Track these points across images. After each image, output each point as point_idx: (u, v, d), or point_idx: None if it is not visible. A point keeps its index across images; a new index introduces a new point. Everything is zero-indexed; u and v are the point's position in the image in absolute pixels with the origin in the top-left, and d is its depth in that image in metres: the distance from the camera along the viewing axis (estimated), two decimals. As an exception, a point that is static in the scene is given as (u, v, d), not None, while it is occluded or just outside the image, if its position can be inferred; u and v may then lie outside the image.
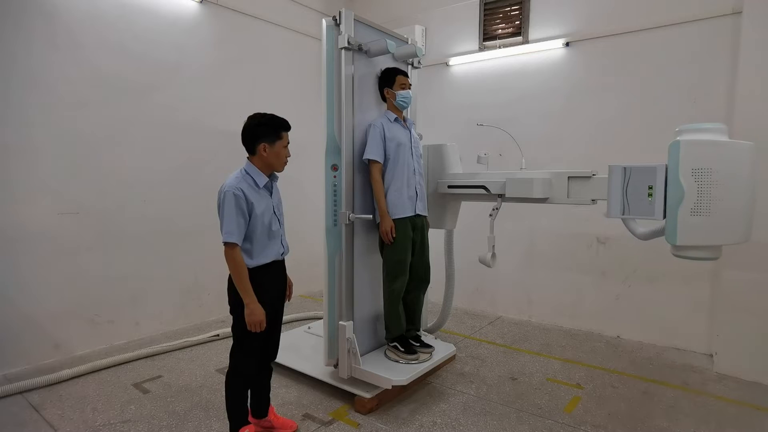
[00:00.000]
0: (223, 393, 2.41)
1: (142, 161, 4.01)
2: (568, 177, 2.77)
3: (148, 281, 4.09)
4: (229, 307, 2.35)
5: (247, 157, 2.35)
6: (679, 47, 3.83)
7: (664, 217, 2.25)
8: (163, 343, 3.80)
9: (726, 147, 2.13)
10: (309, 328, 4.01)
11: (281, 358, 3.40)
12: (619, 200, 2.40)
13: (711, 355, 3.70)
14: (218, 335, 4.02)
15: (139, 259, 4.02)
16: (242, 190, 2.21)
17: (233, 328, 2.36)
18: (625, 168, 2.38)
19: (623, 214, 2.41)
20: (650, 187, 2.30)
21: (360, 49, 2.97)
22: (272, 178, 2.40)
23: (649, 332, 4.07)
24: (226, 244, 2.19)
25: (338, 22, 2.88)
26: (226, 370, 2.41)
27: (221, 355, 3.72)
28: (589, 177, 2.68)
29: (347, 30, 2.86)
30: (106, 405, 2.91)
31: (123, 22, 3.85)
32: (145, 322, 4.08)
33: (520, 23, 4.63)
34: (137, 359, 3.58)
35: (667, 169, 2.23)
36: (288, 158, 2.38)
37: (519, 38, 4.65)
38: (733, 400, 3.08)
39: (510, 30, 4.73)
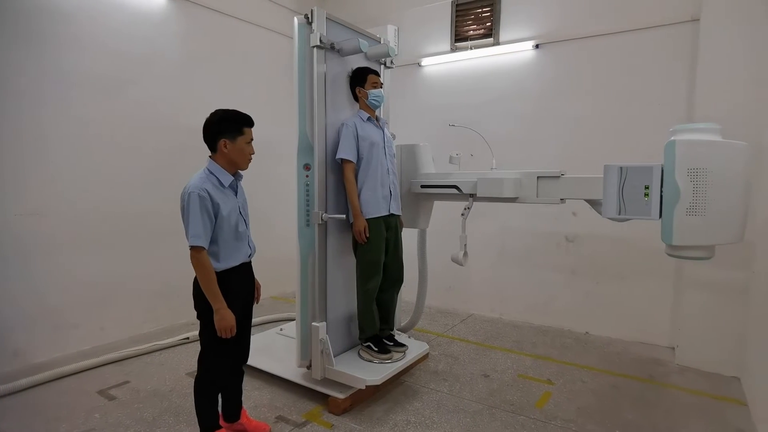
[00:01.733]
0: (194, 398, 2.35)
1: (112, 160, 3.88)
2: (537, 177, 2.82)
3: (115, 284, 3.96)
4: (195, 312, 2.28)
5: (210, 156, 2.27)
6: (642, 51, 3.96)
7: (660, 216, 2.24)
8: (131, 348, 3.69)
9: (721, 147, 2.13)
10: (281, 329, 3.96)
11: (253, 360, 3.34)
12: (615, 200, 2.37)
13: (673, 348, 3.84)
14: (188, 338, 3.93)
15: (106, 261, 3.88)
16: (207, 191, 2.14)
17: (201, 333, 2.29)
18: (621, 168, 2.35)
19: (619, 214, 2.37)
20: (646, 187, 2.27)
21: (332, 47, 2.96)
22: (237, 177, 2.34)
23: (616, 328, 4.20)
24: (192, 248, 2.12)
25: (310, 20, 2.85)
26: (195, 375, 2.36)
27: (192, 358, 3.63)
28: (558, 177, 2.74)
29: (319, 28, 2.84)
30: (69, 413, 2.80)
31: (96, 18, 3.73)
32: (111, 327, 3.94)
33: (491, 25, 4.70)
34: (103, 365, 3.46)
35: (663, 169, 2.22)
36: (252, 155, 2.31)
37: (490, 39, 4.72)
38: (694, 391, 3.21)
39: (481, 31, 4.79)
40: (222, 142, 2.21)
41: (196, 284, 2.22)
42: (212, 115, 2.24)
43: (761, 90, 3.25)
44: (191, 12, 4.47)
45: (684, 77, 3.78)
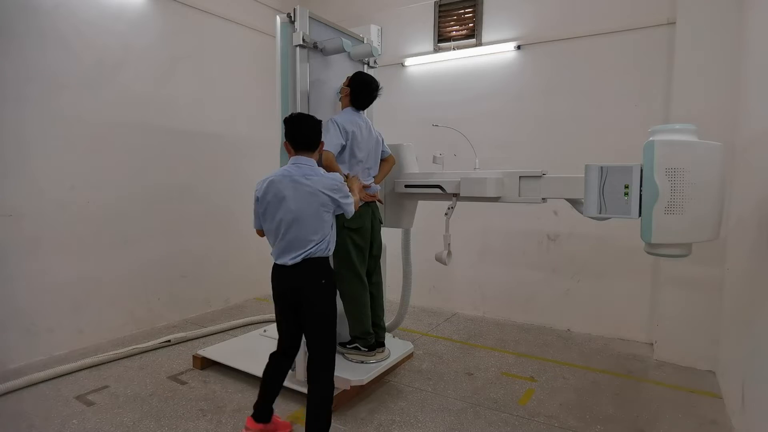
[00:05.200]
0: (326, 412, 2.35)
1: (86, 160, 3.78)
2: (520, 176, 2.85)
3: (92, 286, 3.86)
4: (319, 316, 2.36)
5: (309, 155, 2.39)
6: (621, 53, 4.04)
7: (640, 215, 2.27)
8: (110, 351, 3.61)
9: (697, 147, 2.18)
10: (265, 331, 3.92)
11: (237, 362, 3.32)
12: (596, 199, 2.40)
13: (651, 344, 3.93)
14: (170, 341, 3.86)
15: (81, 262, 3.78)
16: None
17: (326, 339, 2.36)
18: (602, 168, 2.38)
19: (600, 213, 2.40)
20: (626, 186, 2.30)
21: (315, 47, 2.94)
22: None
23: (596, 325, 4.28)
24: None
25: (293, 19, 2.83)
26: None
27: (173, 361, 3.57)
28: (540, 176, 2.77)
29: (302, 27, 2.82)
30: (45, 421, 2.73)
31: (75, 15, 3.65)
32: (89, 330, 3.85)
33: (474, 26, 4.74)
34: (80, 370, 3.37)
35: (642, 168, 2.25)
36: None
37: (472, 40, 4.75)
38: (672, 385, 3.29)
39: (464, 32, 4.82)
40: (322, 143, 2.47)
41: (318, 282, 2.33)
42: (313, 118, 2.43)
43: (734, 91, 3.35)
44: (171, 9, 4.39)
45: (661, 79, 3.87)
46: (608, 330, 4.23)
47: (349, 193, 2.38)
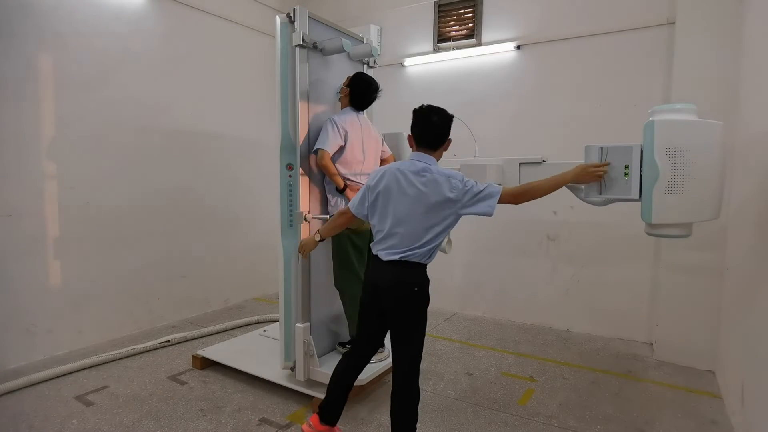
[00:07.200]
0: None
1: (84, 161, 3.78)
2: (520, 163, 2.85)
3: (91, 287, 3.86)
4: (406, 325, 2.20)
5: (431, 154, 2.21)
6: (621, 53, 4.04)
7: (640, 196, 2.26)
8: (109, 352, 3.61)
9: (698, 126, 2.16)
10: (265, 331, 3.92)
11: (237, 362, 3.32)
12: (596, 181, 2.37)
13: (651, 344, 3.93)
14: (169, 341, 3.86)
15: (81, 263, 3.78)
16: None
17: (413, 349, 2.22)
18: (602, 148, 2.36)
19: (600, 194, 2.38)
20: (626, 167, 2.28)
21: (315, 47, 2.94)
22: None
23: (596, 325, 4.27)
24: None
25: (292, 19, 2.83)
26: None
27: (173, 361, 3.57)
28: (540, 163, 2.77)
29: (302, 27, 2.82)
30: (44, 421, 2.72)
31: (74, 15, 3.65)
32: (88, 330, 3.85)
33: (473, 26, 4.74)
34: (80, 370, 3.37)
35: (642, 148, 2.24)
36: None
37: (472, 40, 4.75)
38: (671, 385, 3.29)
39: (464, 32, 4.82)
40: (449, 141, 2.24)
41: (411, 289, 2.15)
42: (445, 113, 2.22)
43: (734, 91, 3.34)
44: (171, 9, 4.39)
45: (660, 79, 3.87)
46: (608, 330, 4.23)
47: (483, 189, 2.10)
